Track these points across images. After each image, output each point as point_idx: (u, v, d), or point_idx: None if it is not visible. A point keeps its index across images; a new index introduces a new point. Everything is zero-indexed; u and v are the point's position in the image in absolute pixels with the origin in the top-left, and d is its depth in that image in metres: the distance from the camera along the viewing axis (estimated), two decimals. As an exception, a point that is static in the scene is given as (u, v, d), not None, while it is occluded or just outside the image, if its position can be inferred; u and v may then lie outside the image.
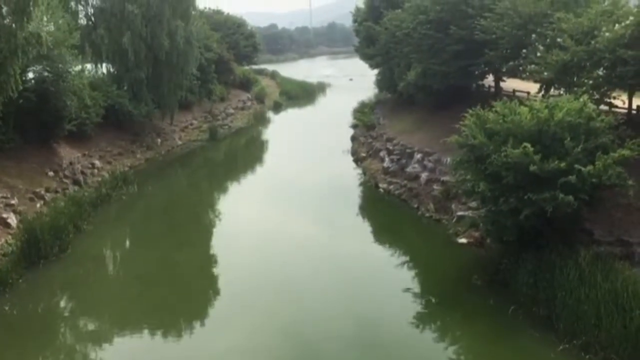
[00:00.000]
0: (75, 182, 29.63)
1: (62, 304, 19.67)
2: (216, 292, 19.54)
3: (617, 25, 19.65)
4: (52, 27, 27.51)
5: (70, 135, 31.38)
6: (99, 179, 31.48)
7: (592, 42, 20.05)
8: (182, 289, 19.74)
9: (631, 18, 19.40)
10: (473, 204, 21.91)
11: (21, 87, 22.79)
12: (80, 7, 41.09)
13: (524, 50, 26.86)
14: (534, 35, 26.09)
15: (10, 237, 21.40)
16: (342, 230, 25.12)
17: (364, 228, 26.22)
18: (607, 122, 17.35)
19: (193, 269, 21.63)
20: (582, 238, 17.39)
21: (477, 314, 16.95)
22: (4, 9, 20.75)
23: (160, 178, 36.71)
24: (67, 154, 31.03)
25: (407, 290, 18.88)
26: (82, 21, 41.06)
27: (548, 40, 24.04)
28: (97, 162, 33.39)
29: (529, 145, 16.21)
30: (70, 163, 30.47)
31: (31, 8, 20.97)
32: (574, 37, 21.23)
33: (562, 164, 15.89)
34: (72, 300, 19.57)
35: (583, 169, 15.74)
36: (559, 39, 22.53)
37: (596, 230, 17.60)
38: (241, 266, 21.28)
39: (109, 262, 23.52)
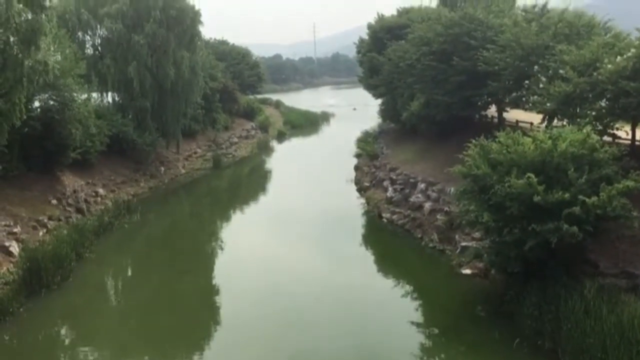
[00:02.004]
0: (79, 211, 29.63)
1: (63, 333, 19.48)
2: (218, 322, 19.36)
3: (619, 57, 19.77)
4: (59, 57, 27.86)
5: (74, 164, 31.49)
6: (102, 207, 31.48)
7: (595, 73, 20.15)
8: (184, 318, 19.56)
9: (633, 50, 19.52)
10: (477, 235, 21.80)
11: (25, 116, 22.89)
12: (87, 37, 41.79)
13: (527, 82, 27.01)
14: (536, 67, 26.25)
15: (12, 265, 21.31)
16: (345, 260, 24.97)
17: (367, 258, 26.05)
18: (610, 153, 17.35)
19: (195, 299, 21.49)
20: (587, 270, 17.24)
21: (481, 345, 16.73)
22: (12, 39, 20.99)
23: (164, 206, 36.75)
24: (71, 182, 31.09)
25: (411, 321, 18.68)
26: (89, 51, 41.75)
27: (550, 71, 24.19)
28: (101, 191, 33.44)
29: (532, 175, 16.20)
30: (74, 191, 30.51)
31: (38, 38, 21.26)
32: (576, 68, 21.35)
33: (566, 195, 15.85)
34: (73, 330, 19.40)
35: (587, 199, 15.68)
36: (561, 71, 22.67)
37: (601, 262, 17.45)
38: (244, 296, 21.12)
39: (110, 291, 23.40)
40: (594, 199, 15.70)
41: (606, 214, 15.93)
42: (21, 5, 20.46)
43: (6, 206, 25.13)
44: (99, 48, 42.06)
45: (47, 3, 21.93)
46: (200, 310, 20.54)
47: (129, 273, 26.03)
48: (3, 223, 23.58)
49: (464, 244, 22.88)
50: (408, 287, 21.82)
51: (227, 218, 35.02)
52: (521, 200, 16.40)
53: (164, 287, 22.39)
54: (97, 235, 27.36)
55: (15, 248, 22.34)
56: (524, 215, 16.48)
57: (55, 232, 24.83)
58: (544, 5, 31.19)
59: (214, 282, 23.63)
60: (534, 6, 31.95)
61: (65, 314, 20.08)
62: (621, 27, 25.24)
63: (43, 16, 21.60)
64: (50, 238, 23.90)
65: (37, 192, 27.96)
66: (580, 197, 15.79)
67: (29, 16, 20.98)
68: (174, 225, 33.20)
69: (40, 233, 24.96)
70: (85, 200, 30.98)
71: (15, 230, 23.63)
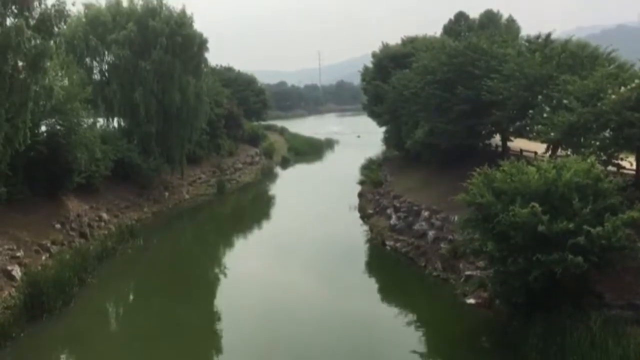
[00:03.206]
0: (82, 235, 29.61)
1: (63, 359, 19.33)
2: (219, 350, 19.21)
3: (622, 87, 19.84)
4: (66, 82, 28.16)
5: (78, 188, 31.55)
6: (106, 232, 31.48)
7: (598, 104, 20.21)
8: (185, 346, 19.37)
9: (637, 81, 19.61)
10: (481, 264, 21.64)
11: (29, 141, 22.97)
12: (95, 63, 42.29)
13: (531, 111, 27.10)
14: (540, 97, 26.37)
15: (14, 289, 21.21)
16: (348, 288, 24.79)
17: (370, 286, 25.85)
18: (615, 184, 17.30)
19: (197, 326, 21.31)
20: (593, 301, 17.06)
21: (485, 377, 16.52)
22: (20, 64, 21.23)
23: (167, 232, 36.67)
24: (75, 206, 31.13)
25: (414, 351, 18.45)
26: (96, 76, 42.24)
27: (554, 101, 24.30)
28: (105, 215, 33.46)
29: (537, 205, 16.13)
30: (78, 215, 30.53)
31: (46, 63, 21.51)
32: (580, 98, 21.42)
33: (571, 225, 15.76)
34: (73, 356, 19.29)
35: (592, 230, 15.59)
36: (565, 101, 22.73)
37: (607, 293, 17.27)
38: (245, 323, 20.98)
39: (112, 317, 23.27)
40: (599, 229, 15.62)
41: (611, 245, 15.82)
42: (31, 32, 20.74)
43: (10, 230, 25.13)
44: (106, 74, 42.50)
45: (56, 29, 22.22)
46: (201, 338, 20.35)
47: (131, 299, 25.90)
48: (6, 247, 23.55)
49: (468, 273, 22.74)
50: (411, 317, 21.62)
51: (230, 244, 34.91)
52: (525, 229, 16.32)
53: (166, 313, 22.23)
54: (100, 260, 27.31)
55: (17, 272, 22.26)
56: (529, 244, 16.38)
57: (58, 257, 24.77)
58: (548, 36, 31.44)
59: (216, 309, 23.46)
60: (538, 37, 32.21)
61: (66, 340, 19.93)
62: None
63: (52, 42, 21.88)
64: (52, 262, 23.89)
65: (41, 216, 27.98)
66: (585, 227, 15.70)
67: (38, 42, 21.26)
68: (177, 251, 33.08)
69: (43, 257, 24.92)
70: (89, 225, 30.98)
71: (18, 254, 23.59)
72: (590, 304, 16.77)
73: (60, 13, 22.15)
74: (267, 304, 22.87)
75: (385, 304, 23.66)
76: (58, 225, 28.31)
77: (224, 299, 24.25)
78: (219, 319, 22.05)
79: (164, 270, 29.02)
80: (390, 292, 25.00)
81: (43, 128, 28.74)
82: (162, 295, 24.60)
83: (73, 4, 30.07)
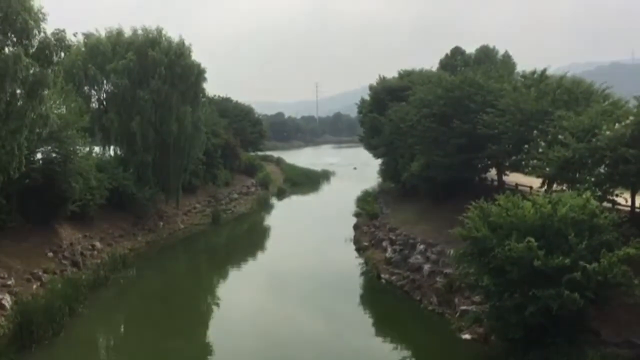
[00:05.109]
0: (74, 264, 29.30)
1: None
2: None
3: (617, 124, 19.98)
4: (64, 110, 28.22)
5: (72, 216, 31.42)
6: (99, 261, 31.17)
7: (593, 140, 20.33)
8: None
9: (631, 118, 19.77)
10: (477, 299, 21.47)
11: (24, 168, 22.88)
12: (93, 92, 42.42)
13: (526, 146, 27.21)
14: (535, 132, 26.50)
15: (3, 318, 20.91)
16: (342, 322, 24.50)
17: (365, 320, 25.56)
18: (610, 219, 17.28)
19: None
20: (589, 338, 16.89)
21: (481, 415, 16.23)
22: (18, 91, 21.27)
23: (160, 262, 36.35)
24: (68, 234, 30.91)
25: (409, 387, 18.20)
26: (94, 105, 42.32)
27: (549, 136, 24.40)
28: (98, 244, 33.19)
29: (532, 239, 16.08)
30: (71, 244, 30.29)
31: (44, 91, 21.56)
32: (575, 134, 21.56)
33: (567, 260, 15.71)
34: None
35: (588, 266, 15.53)
36: (560, 136, 22.86)
37: (603, 330, 17.13)
38: (238, 357, 20.63)
39: (101, 349, 22.90)
40: (595, 265, 15.57)
41: (607, 281, 15.76)
42: (30, 60, 20.83)
43: (2, 258, 24.90)
44: (104, 102, 42.63)
45: (55, 58, 22.32)
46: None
47: (122, 330, 25.53)
48: (-3, 275, 23.32)
49: (463, 307, 22.50)
50: (406, 352, 21.36)
51: (223, 276, 34.57)
52: (521, 264, 16.26)
53: (157, 345, 21.90)
54: (92, 289, 27.00)
55: (7, 301, 21.97)
56: (525, 279, 16.30)
57: (49, 286, 24.47)
58: (543, 72, 31.77)
59: (207, 341, 23.15)
60: (533, 72, 32.55)
61: (54, 371, 19.60)
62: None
63: (50, 70, 21.95)
64: (44, 292, 23.60)
65: (34, 244, 27.76)
66: (581, 262, 15.65)
67: (37, 69, 21.34)
68: (169, 282, 32.74)
69: (34, 286, 24.60)
70: (82, 254, 30.68)
71: (9, 282, 23.32)
72: (586, 341, 16.62)
73: (60, 42, 22.28)
74: (260, 337, 22.58)
75: (380, 338, 23.36)
76: (50, 254, 28.06)
77: (216, 332, 23.91)
78: (210, 353, 21.72)
79: (156, 301, 28.68)
80: (385, 326, 24.73)
81: (39, 155, 28.71)
82: (153, 327, 24.27)
83: (74, 35, 30.38)
